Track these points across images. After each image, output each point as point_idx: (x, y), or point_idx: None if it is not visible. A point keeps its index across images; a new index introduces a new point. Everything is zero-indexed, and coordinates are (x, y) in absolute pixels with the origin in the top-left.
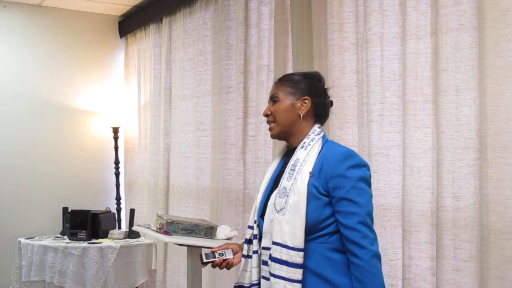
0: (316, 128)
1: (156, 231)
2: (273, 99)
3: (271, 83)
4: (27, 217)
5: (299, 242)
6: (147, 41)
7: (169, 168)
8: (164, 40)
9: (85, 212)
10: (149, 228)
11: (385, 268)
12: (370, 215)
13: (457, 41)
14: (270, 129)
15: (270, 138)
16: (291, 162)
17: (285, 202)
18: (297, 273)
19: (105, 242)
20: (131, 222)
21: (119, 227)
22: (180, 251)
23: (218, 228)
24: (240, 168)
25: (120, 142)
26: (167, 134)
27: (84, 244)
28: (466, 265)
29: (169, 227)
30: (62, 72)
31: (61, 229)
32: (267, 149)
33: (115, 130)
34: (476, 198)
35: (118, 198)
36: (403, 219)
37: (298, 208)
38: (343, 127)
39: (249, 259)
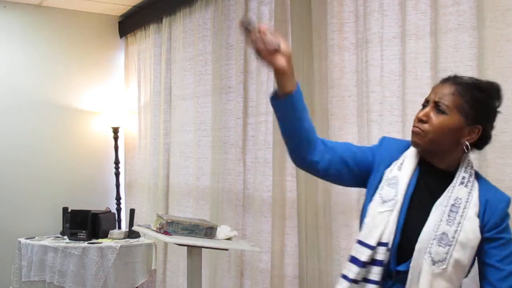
0: (471, 158)
1: (156, 231)
2: (439, 107)
3: (271, 83)
4: (27, 217)
5: None
6: (147, 41)
7: (169, 168)
8: (164, 40)
9: (85, 212)
10: (149, 228)
11: None
12: None
13: (456, 41)
14: (415, 134)
15: (414, 142)
16: (449, 200)
17: (447, 254)
18: None
19: (105, 242)
20: (131, 222)
21: (119, 227)
22: (180, 251)
23: (218, 228)
24: (240, 168)
25: (120, 142)
26: (167, 134)
27: (84, 244)
28: None
29: (169, 227)
30: (62, 72)
31: (61, 229)
32: (267, 149)
33: (115, 130)
34: None
35: (118, 198)
36: None
37: (464, 264)
38: (343, 127)
39: (353, 284)
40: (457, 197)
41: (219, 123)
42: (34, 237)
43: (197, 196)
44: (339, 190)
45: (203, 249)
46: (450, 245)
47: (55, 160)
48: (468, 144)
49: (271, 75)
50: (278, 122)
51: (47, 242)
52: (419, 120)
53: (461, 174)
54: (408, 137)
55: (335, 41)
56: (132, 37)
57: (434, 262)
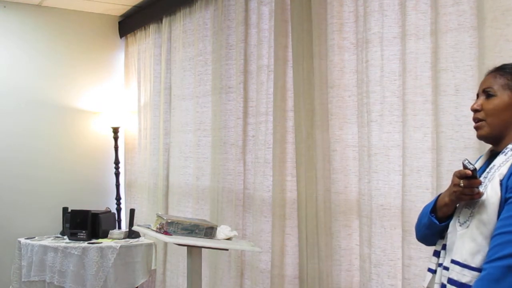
0: None
1: (156, 231)
2: (487, 93)
3: (271, 83)
4: (27, 217)
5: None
6: (147, 41)
7: (169, 168)
8: (164, 40)
9: (85, 212)
10: (149, 228)
11: (385, 268)
12: None
13: (456, 41)
14: (477, 128)
15: (477, 138)
16: (487, 169)
17: (470, 214)
18: None
19: (105, 242)
20: (131, 222)
21: (119, 227)
22: (180, 251)
23: (218, 228)
24: (240, 168)
25: (120, 142)
26: (167, 134)
27: (84, 244)
28: None
29: (169, 227)
30: (62, 72)
31: (61, 229)
32: (267, 149)
33: (115, 130)
34: None
35: (118, 198)
36: (402, 219)
37: (485, 222)
38: (343, 127)
39: (434, 275)
40: (493, 165)
41: (219, 123)
42: (34, 237)
43: (197, 196)
44: (339, 190)
45: (203, 249)
46: (474, 207)
47: (55, 160)
48: None
49: (271, 75)
50: (425, 230)
51: (47, 242)
52: (474, 111)
53: (507, 146)
54: (409, 137)
55: (335, 41)
56: (132, 37)
57: (460, 224)
